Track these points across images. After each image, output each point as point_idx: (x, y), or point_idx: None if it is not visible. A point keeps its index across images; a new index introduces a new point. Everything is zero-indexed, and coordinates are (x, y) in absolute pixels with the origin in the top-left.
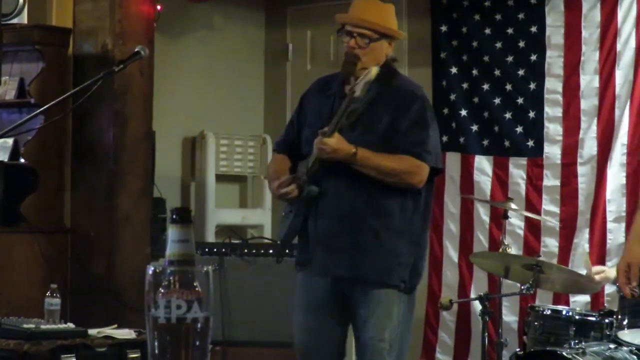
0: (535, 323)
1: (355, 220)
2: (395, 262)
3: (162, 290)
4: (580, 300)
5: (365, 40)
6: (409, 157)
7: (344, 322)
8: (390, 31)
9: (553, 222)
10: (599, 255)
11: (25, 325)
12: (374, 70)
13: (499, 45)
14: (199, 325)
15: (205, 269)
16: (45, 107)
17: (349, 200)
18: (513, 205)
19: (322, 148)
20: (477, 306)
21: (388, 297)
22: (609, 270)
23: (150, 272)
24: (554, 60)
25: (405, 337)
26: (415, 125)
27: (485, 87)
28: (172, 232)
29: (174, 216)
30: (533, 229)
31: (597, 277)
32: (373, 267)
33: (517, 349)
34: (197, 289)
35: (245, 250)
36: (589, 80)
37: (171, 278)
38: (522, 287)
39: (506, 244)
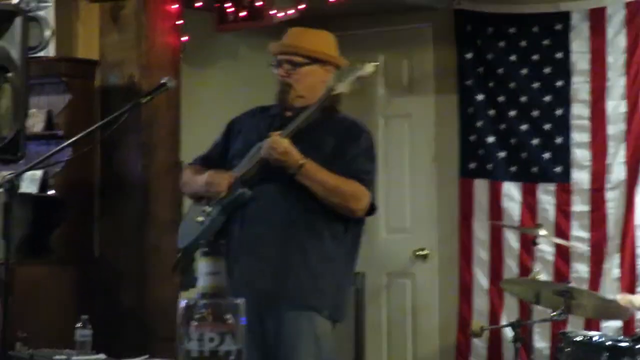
0: (567, 349)
1: (286, 232)
2: (318, 286)
3: (195, 323)
4: (611, 326)
5: (292, 65)
6: (355, 181)
7: (263, 344)
8: (321, 55)
9: (583, 248)
10: (630, 280)
11: (56, 357)
12: (368, 68)
13: (524, 71)
14: (231, 357)
15: (237, 301)
16: (73, 139)
17: (282, 210)
18: (542, 232)
19: (274, 147)
20: (508, 333)
21: (312, 321)
22: (634, 297)
23: (183, 305)
24: (580, 86)
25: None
26: (362, 156)
27: (512, 113)
28: (202, 265)
29: (205, 249)
30: (563, 254)
31: (622, 302)
32: (295, 285)
33: None
34: (229, 321)
35: None
36: (615, 105)
37: (203, 311)
38: (553, 314)
39: (536, 270)
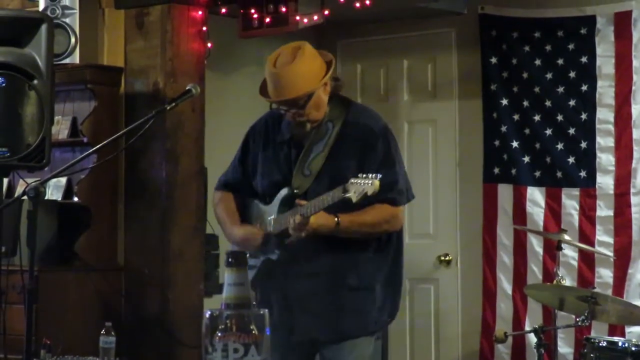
0: (591, 355)
1: (333, 280)
2: (374, 310)
3: (219, 334)
4: (636, 331)
5: (298, 107)
6: (384, 206)
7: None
8: (317, 84)
9: (607, 253)
10: None
11: None
12: (376, 184)
13: (549, 76)
14: None
15: (262, 311)
16: (98, 146)
17: (325, 261)
18: (566, 237)
19: (303, 231)
20: (532, 339)
21: (360, 343)
22: None
23: (207, 315)
24: (605, 90)
25: None
26: (382, 167)
27: (536, 118)
28: (228, 276)
29: (230, 259)
30: (587, 260)
31: None
32: (353, 324)
33: None
34: (253, 332)
35: None
36: None
37: (228, 322)
38: (578, 319)
39: (560, 275)
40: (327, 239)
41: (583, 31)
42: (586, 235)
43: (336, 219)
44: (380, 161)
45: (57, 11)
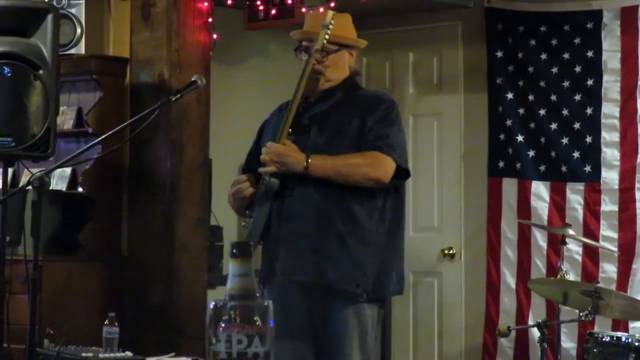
0: (594, 350)
1: (321, 224)
2: (360, 271)
3: (223, 325)
4: (639, 327)
5: (323, 53)
6: (370, 152)
7: (316, 339)
8: (348, 40)
9: (611, 248)
10: None
11: (83, 354)
12: (328, 15)
13: (555, 70)
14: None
15: (265, 302)
16: (103, 136)
17: (315, 203)
18: (571, 231)
19: (269, 157)
20: (535, 333)
21: (358, 313)
22: None
23: (212, 306)
24: (611, 85)
25: (373, 350)
26: (379, 122)
27: (542, 112)
28: (232, 267)
29: (234, 250)
30: (591, 254)
31: None
32: (337, 275)
33: None
34: (257, 323)
35: None
36: None
37: (232, 312)
38: (581, 314)
39: (564, 270)
40: (320, 182)
41: (589, 26)
42: (590, 230)
43: (306, 158)
44: (380, 117)
45: (63, 1)
